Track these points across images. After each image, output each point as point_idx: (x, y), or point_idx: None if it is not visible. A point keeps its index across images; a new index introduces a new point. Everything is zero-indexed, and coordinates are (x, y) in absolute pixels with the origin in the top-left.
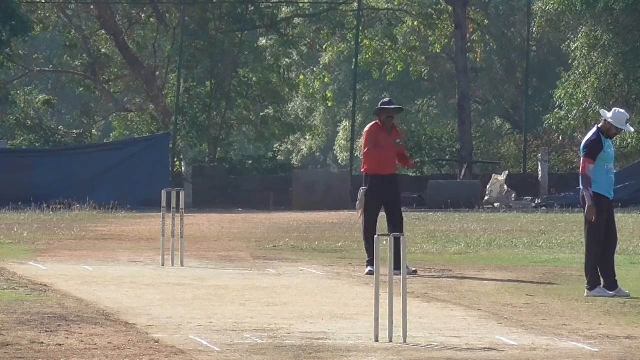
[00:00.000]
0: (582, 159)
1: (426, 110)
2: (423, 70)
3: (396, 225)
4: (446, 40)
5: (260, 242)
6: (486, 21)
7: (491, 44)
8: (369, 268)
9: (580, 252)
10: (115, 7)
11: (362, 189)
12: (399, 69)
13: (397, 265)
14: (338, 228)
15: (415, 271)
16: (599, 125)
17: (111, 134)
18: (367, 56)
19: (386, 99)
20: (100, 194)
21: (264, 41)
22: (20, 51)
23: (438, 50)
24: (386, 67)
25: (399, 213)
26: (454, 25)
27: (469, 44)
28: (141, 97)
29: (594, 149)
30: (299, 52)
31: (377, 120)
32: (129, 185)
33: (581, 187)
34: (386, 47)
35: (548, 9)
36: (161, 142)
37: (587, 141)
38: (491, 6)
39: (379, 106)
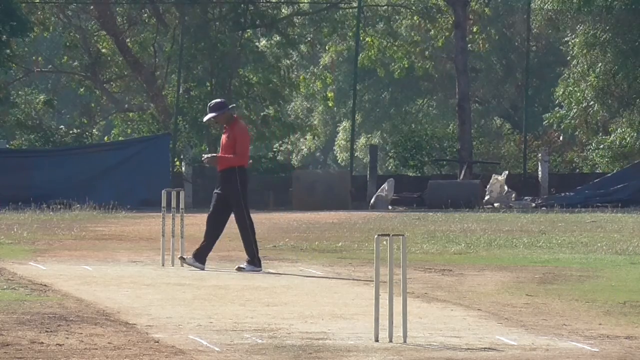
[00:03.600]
0: None
1: (426, 110)
2: (427, 65)
3: (236, 222)
4: (447, 34)
5: (260, 242)
6: (487, 10)
7: (493, 34)
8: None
9: (580, 252)
10: (115, 7)
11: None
12: (405, 65)
13: (249, 260)
14: (338, 228)
15: (243, 268)
16: None
17: (112, 132)
18: (370, 53)
19: (215, 100)
20: (100, 194)
21: (263, 42)
22: (20, 51)
23: (440, 44)
24: (391, 64)
25: (235, 211)
26: (453, 20)
27: (470, 37)
28: (141, 97)
29: None
30: (299, 51)
31: None
32: (129, 185)
33: None
34: (388, 44)
35: (546, 8)
36: (161, 142)
37: None
38: (491, 6)
39: None
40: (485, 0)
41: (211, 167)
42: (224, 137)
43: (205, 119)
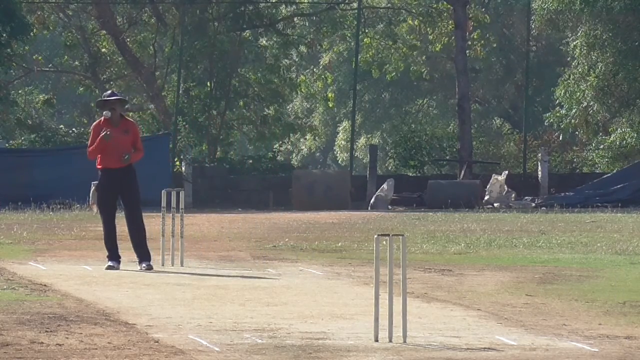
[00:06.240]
0: None
1: (426, 110)
2: (423, 70)
3: (132, 222)
4: (446, 39)
5: (260, 242)
6: (487, 17)
7: (491, 41)
8: (109, 263)
9: (580, 252)
10: (115, 7)
11: (93, 184)
12: (400, 68)
13: (143, 257)
14: (338, 228)
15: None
16: None
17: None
18: (368, 55)
19: (107, 92)
20: None
21: (263, 41)
22: (20, 51)
23: (438, 49)
24: (387, 66)
25: (134, 210)
26: (454, 25)
27: (469, 42)
28: (141, 97)
29: None
30: (299, 51)
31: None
32: None
33: None
34: (386, 46)
35: (547, 7)
36: (161, 142)
37: None
38: (490, 6)
39: (99, 99)
40: (485, 1)
41: (212, 167)
42: (117, 134)
43: (114, 98)
